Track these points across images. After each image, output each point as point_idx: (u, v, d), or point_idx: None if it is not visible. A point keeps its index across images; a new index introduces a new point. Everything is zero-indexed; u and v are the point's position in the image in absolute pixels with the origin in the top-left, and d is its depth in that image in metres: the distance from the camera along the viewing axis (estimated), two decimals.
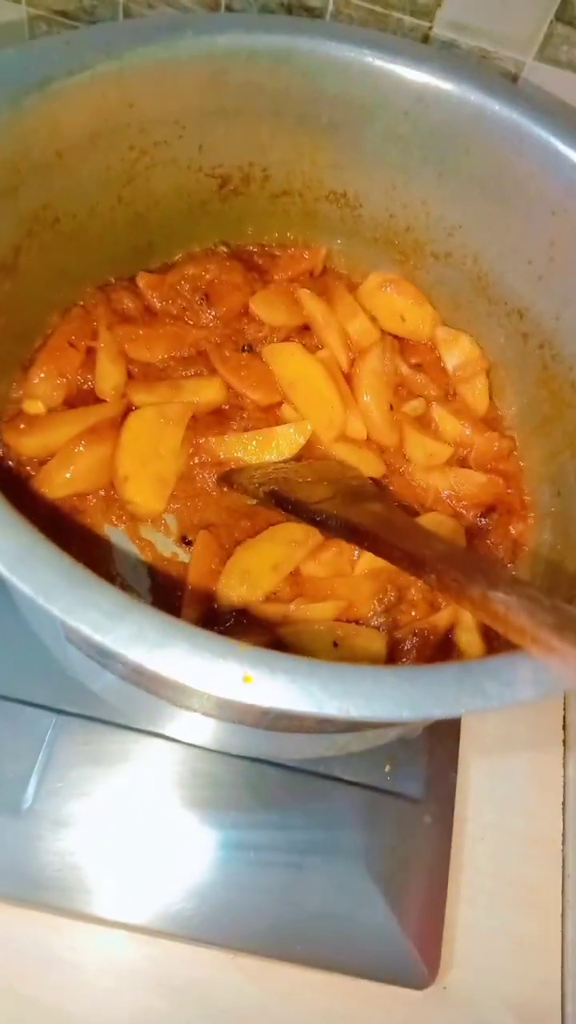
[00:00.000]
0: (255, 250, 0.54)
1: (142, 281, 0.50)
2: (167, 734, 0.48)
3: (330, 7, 0.51)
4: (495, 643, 0.44)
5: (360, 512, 0.39)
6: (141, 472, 0.45)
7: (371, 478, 0.49)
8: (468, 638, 0.44)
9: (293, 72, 0.43)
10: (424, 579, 0.32)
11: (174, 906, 0.46)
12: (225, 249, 0.53)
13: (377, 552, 0.37)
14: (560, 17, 0.47)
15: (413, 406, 0.52)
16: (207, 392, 0.49)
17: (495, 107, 0.43)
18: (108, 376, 0.48)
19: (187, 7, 0.54)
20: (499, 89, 0.44)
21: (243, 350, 0.51)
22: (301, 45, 0.43)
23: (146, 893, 0.46)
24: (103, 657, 0.36)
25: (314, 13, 0.52)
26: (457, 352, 0.54)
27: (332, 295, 0.53)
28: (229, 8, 0.53)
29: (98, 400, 0.47)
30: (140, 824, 0.47)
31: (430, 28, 0.51)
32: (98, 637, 0.24)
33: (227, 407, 0.50)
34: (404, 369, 0.53)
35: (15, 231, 0.40)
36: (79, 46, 0.38)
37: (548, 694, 0.26)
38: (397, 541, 0.35)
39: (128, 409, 0.47)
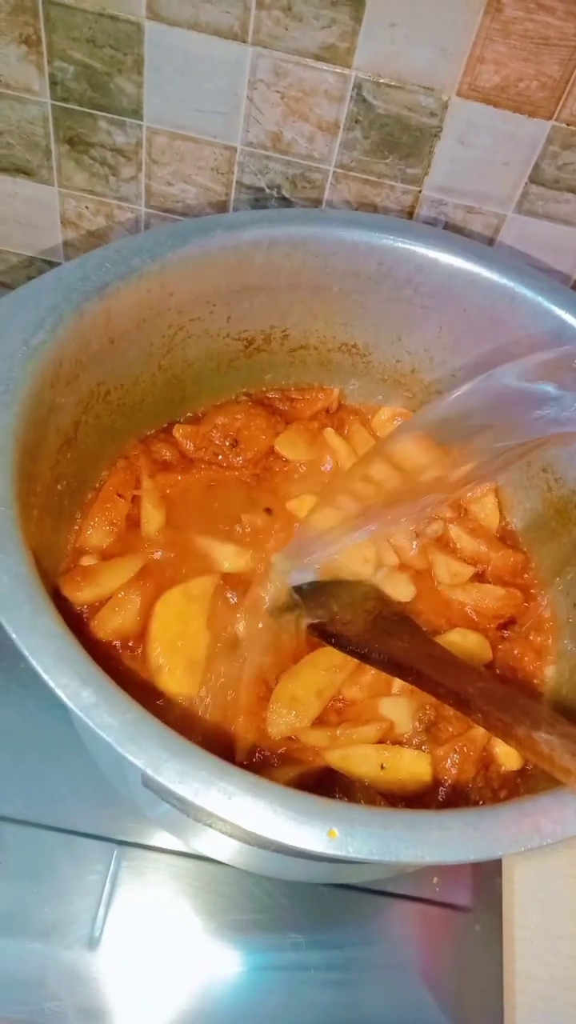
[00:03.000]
0: (276, 396, 0.60)
1: (178, 433, 0.55)
2: (222, 860, 0.50)
3: (329, 179, 0.58)
4: None
5: (400, 645, 0.43)
6: (173, 659, 0.46)
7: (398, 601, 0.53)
8: (505, 750, 0.47)
9: (307, 254, 0.50)
10: (471, 717, 0.36)
11: None
12: (247, 398, 0.59)
13: (421, 687, 0.40)
14: (533, 179, 0.54)
15: (434, 528, 0.56)
16: (237, 561, 0.52)
17: (486, 273, 0.49)
18: (152, 519, 0.52)
19: (204, 185, 0.61)
20: (488, 257, 0.50)
21: (267, 511, 0.55)
22: (313, 233, 0.49)
23: (210, 1018, 0.48)
24: (182, 803, 0.39)
25: (316, 184, 0.59)
26: None
27: (349, 430, 0.59)
28: (240, 183, 0.60)
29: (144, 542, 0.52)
30: (200, 949, 0.49)
31: (419, 192, 0.58)
32: (197, 801, 0.28)
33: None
34: None
35: (76, 409, 0.46)
36: (128, 253, 0.44)
37: None
38: (441, 678, 0.38)
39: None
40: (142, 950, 0.48)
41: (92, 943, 0.48)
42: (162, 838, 0.51)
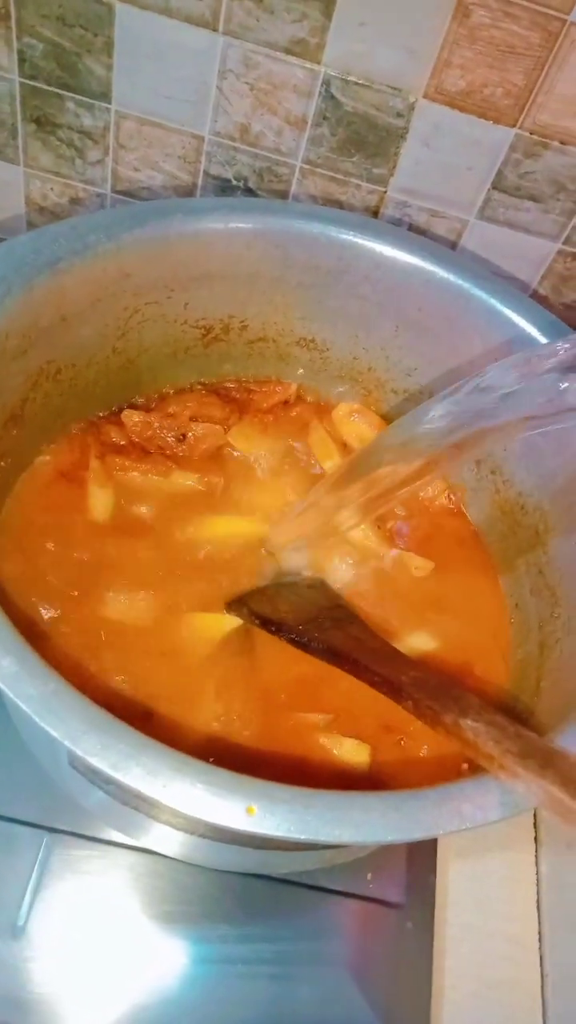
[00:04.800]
0: (233, 386, 0.60)
1: (128, 421, 0.55)
2: (156, 850, 0.50)
3: (296, 174, 0.59)
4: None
5: (341, 636, 0.43)
6: None
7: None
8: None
9: (267, 245, 0.50)
10: (402, 705, 0.36)
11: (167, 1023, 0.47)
12: (201, 387, 0.59)
13: (357, 675, 0.40)
14: (496, 186, 0.55)
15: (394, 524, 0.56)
16: None
17: (443, 274, 0.50)
18: (98, 500, 0.51)
19: (171, 172, 0.61)
20: (446, 259, 0.51)
21: None
22: (274, 224, 0.49)
23: (137, 1010, 0.47)
24: (110, 785, 0.38)
25: (282, 179, 0.59)
26: None
27: (306, 426, 0.59)
28: (207, 173, 0.60)
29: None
30: (129, 940, 0.49)
31: (384, 192, 0.58)
32: (117, 775, 0.27)
33: None
34: None
35: (23, 385, 0.45)
36: (83, 230, 0.44)
37: (516, 813, 0.29)
38: (376, 666, 0.39)
39: None
40: (68, 939, 0.47)
41: (16, 931, 0.47)
42: (94, 827, 0.50)
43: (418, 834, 0.28)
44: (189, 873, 0.50)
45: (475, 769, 0.31)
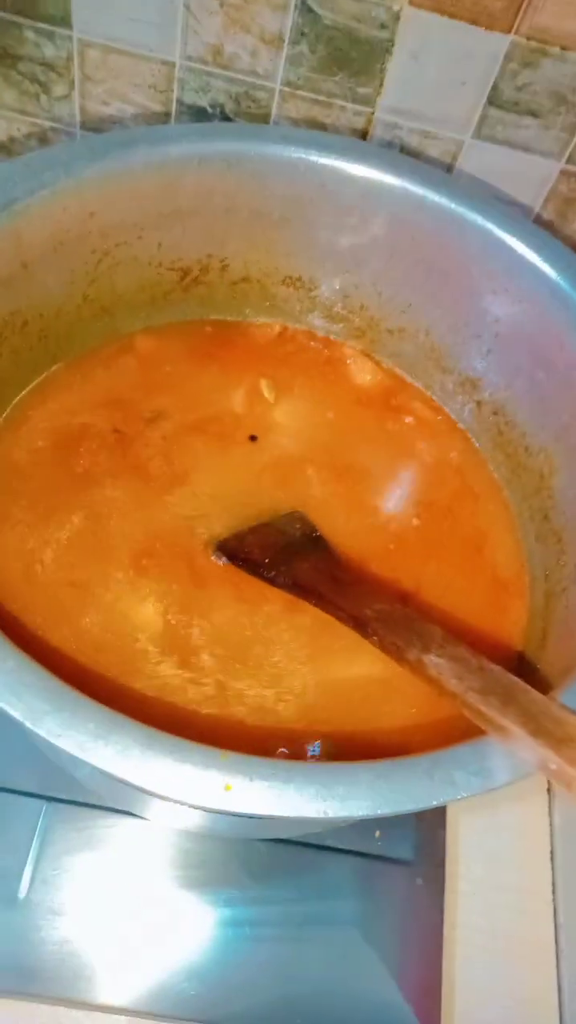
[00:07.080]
0: (214, 328, 0.56)
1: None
2: (152, 819, 0.49)
3: (276, 98, 0.54)
4: None
5: (307, 568, 0.42)
6: None
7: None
8: None
9: (243, 174, 0.46)
10: (368, 640, 0.35)
11: (174, 988, 0.46)
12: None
13: (323, 609, 0.39)
14: (492, 101, 0.51)
15: None
16: None
17: (436, 198, 0.46)
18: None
19: (143, 104, 0.57)
20: (438, 181, 0.47)
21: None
22: (248, 150, 0.45)
23: (145, 977, 0.47)
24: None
25: (261, 103, 0.55)
26: None
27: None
28: (180, 101, 0.56)
29: None
30: (134, 908, 0.48)
31: (372, 113, 0.54)
32: (84, 756, 0.25)
33: None
34: None
35: None
36: (38, 167, 0.41)
37: (513, 779, 0.27)
38: (340, 600, 0.38)
39: None
40: (70, 908, 0.47)
41: (18, 902, 0.46)
42: (92, 795, 0.49)
43: (409, 806, 0.26)
44: (191, 838, 0.49)
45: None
